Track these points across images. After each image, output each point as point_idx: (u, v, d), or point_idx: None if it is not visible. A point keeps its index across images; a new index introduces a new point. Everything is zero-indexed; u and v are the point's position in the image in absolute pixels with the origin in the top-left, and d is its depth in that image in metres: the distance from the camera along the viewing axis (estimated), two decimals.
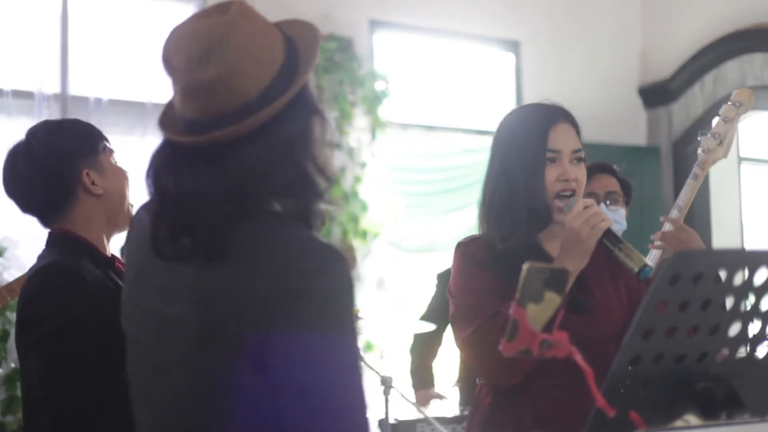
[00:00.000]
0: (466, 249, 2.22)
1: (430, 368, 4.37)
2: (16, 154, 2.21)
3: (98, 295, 2.06)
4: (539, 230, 2.20)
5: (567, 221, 2.09)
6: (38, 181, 2.16)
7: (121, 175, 2.25)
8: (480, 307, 2.10)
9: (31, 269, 2.18)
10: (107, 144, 2.25)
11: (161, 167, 1.52)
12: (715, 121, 2.80)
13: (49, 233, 2.22)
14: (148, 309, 1.58)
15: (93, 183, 2.18)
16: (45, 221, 2.23)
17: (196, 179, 1.47)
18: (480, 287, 2.14)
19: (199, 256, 1.46)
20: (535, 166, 2.17)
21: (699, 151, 2.78)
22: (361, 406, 1.44)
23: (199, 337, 1.48)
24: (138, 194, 2.13)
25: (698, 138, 2.79)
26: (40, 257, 2.20)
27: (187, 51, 1.48)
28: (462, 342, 2.15)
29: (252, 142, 1.47)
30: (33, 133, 2.22)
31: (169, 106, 1.58)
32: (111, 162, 2.24)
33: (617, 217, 3.35)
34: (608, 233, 2.07)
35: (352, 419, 1.43)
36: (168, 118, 1.56)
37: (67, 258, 2.11)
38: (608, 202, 3.34)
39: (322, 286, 1.42)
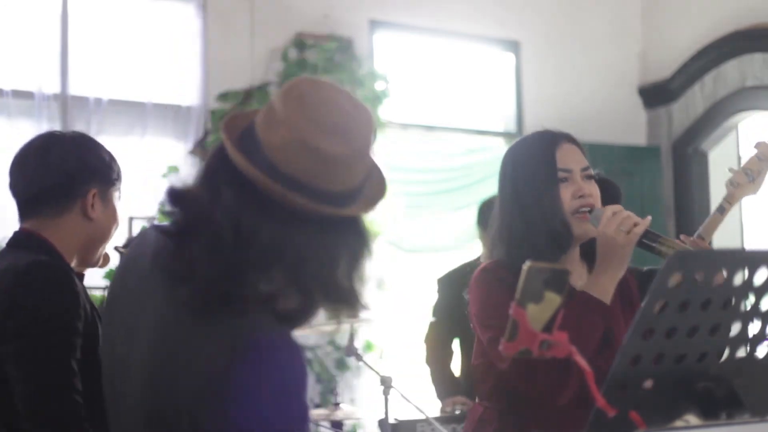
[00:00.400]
0: (494, 274, 2.19)
1: (450, 373, 4.35)
2: (53, 139, 2.23)
3: (85, 306, 2.07)
4: (561, 252, 2.18)
5: (599, 230, 2.08)
6: (55, 173, 2.16)
7: (115, 218, 2.27)
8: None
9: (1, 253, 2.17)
10: (120, 190, 2.29)
11: (241, 203, 1.43)
12: (749, 156, 2.77)
13: (17, 232, 2.19)
14: (109, 338, 1.59)
15: (92, 206, 2.18)
16: (26, 213, 2.19)
17: (257, 230, 1.41)
18: (508, 306, 2.12)
19: (199, 301, 1.42)
20: (548, 186, 2.17)
21: (728, 184, 2.75)
22: None
23: (148, 381, 1.46)
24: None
25: (728, 171, 2.76)
26: (3, 255, 2.16)
27: (323, 115, 1.43)
28: (512, 364, 2.07)
29: (314, 226, 1.44)
30: (75, 133, 2.29)
31: (239, 121, 1.51)
32: (114, 203, 2.27)
33: None
34: (645, 234, 2.06)
35: None
36: (246, 141, 1.47)
37: (50, 258, 2.10)
38: None
39: (267, 377, 1.37)
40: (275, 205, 1.41)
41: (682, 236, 2.81)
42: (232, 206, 1.41)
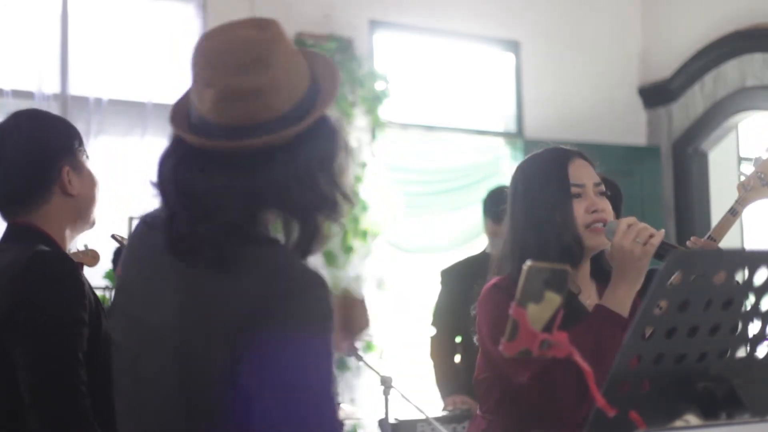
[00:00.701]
0: (505, 288, 2.17)
1: (454, 371, 4.33)
2: (6, 133, 2.17)
3: (89, 296, 2.08)
4: (573, 267, 2.16)
5: (615, 242, 2.07)
6: (21, 167, 2.13)
7: (93, 181, 2.23)
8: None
9: None
10: (82, 145, 2.23)
11: (180, 167, 1.53)
12: (761, 159, 2.76)
13: (11, 225, 2.17)
14: (132, 317, 1.61)
15: (70, 182, 2.16)
16: (9, 212, 2.17)
17: (226, 183, 1.49)
18: None
19: (200, 257, 1.48)
20: (561, 201, 2.18)
21: (740, 187, 2.74)
22: (331, 427, 1.45)
23: (180, 345, 1.50)
24: (113, 199, 2.15)
25: (739, 174, 2.76)
26: (2, 249, 2.14)
27: (230, 57, 1.51)
28: (529, 381, 2.07)
29: (281, 155, 1.50)
30: (21, 117, 2.20)
31: (180, 106, 1.60)
32: (86, 165, 2.22)
33: None
34: (662, 245, 2.06)
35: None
36: (181, 118, 1.58)
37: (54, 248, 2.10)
38: None
39: (300, 306, 1.44)
40: (232, 159, 1.48)
41: (693, 238, 2.80)
42: (192, 176, 1.50)
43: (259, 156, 1.49)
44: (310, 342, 1.44)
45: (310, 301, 1.45)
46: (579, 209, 2.18)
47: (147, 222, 1.64)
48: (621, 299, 2.08)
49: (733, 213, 2.72)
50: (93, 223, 2.26)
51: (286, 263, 1.49)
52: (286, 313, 1.43)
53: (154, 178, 1.56)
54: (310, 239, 1.55)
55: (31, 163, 2.14)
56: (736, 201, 2.72)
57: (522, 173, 2.29)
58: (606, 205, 2.21)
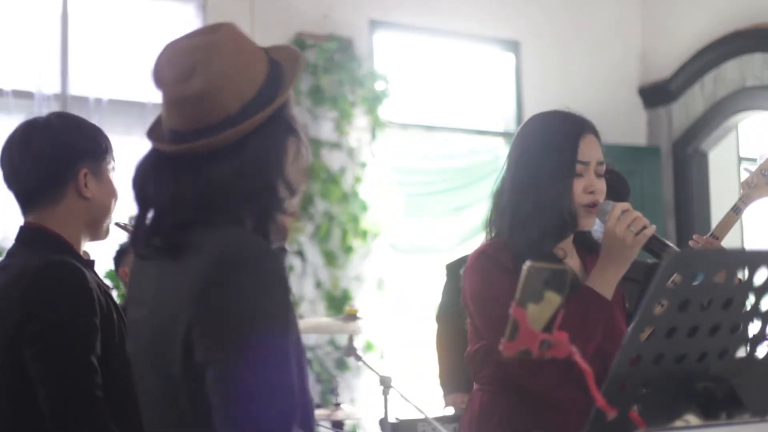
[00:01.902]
0: (493, 256, 2.19)
1: (458, 368, 4.31)
2: (33, 128, 2.19)
3: (100, 300, 2.09)
4: (562, 238, 2.20)
5: (608, 227, 2.08)
6: (42, 162, 2.15)
7: (112, 191, 2.24)
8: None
9: (11, 250, 2.17)
10: (113, 160, 2.25)
11: (144, 173, 1.64)
12: (765, 156, 2.75)
13: (23, 228, 2.19)
14: (132, 320, 1.70)
15: (86, 185, 2.16)
16: (26, 206, 2.19)
17: (175, 185, 1.58)
18: (509, 294, 2.13)
19: (164, 254, 1.57)
20: (565, 176, 2.17)
21: (744, 184, 2.73)
22: (284, 401, 1.46)
23: (154, 337, 1.57)
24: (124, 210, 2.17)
25: (743, 170, 2.75)
26: (13, 254, 2.16)
27: (174, 65, 1.59)
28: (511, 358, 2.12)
29: (227, 154, 1.56)
30: (53, 115, 2.25)
31: (158, 118, 1.68)
32: (109, 175, 2.23)
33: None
34: (653, 239, 2.07)
35: (274, 412, 1.45)
36: (156, 128, 1.67)
37: (61, 256, 2.10)
38: None
39: (248, 279, 1.48)
40: (180, 161, 1.58)
41: (695, 236, 2.80)
42: (147, 180, 1.63)
43: (205, 157, 1.56)
44: (262, 312, 1.47)
45: (260, 271, 1.49)
46: (578, 187, 2.18)
47: None
48: (607, 282, 2.10)
49: (737, 211, 2.72)
50: (106, 234, 2.26)
51: (235, 239, 1.54)
52: (236, 282, 1.47)
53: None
54: (265, 225, 1.60)
55: (49, 158, 2.15)
56: (740, 199, 2.72)
57: (531, 135, 2.27)
58: (602, 187, 2.21)
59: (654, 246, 2.07)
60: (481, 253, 2.22)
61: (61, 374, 1.99)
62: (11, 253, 2.18)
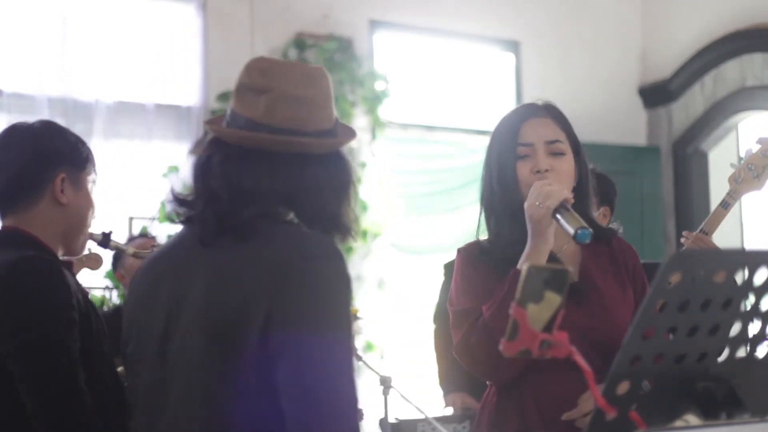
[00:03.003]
0: (463, 253, 2.25)
1: (457, 368, 4.30)
2: (14, 131, 2.20)
3: (78, 299, 2.07)
4: (521, 224, 2.15)
5: (525, 206, 2.08)
6: (19, 165, 2.14)
7: (89, 203, 2.23)
8: (468, 310, 2.13)
9: None
10: (95, 174, 2.25)
11: (227, 164, 1.70)
12: (751, 151, 2.73)
13: (0, 231, 2.18)
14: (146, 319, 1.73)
15: (62, 191, 2.15)
16: (3, 210, 2.18)
17: (261, 176, 1.68)
18: (469, 289, 2.17)
19: (238, 241, 1.63)
20: (507, 160, 2.19)
21: (731, 179, 2.72)
22: (352, 406, 1.53)
23: (215, 325, 1.59)
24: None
25: (731, 166, 2.73)
26: None
27: (286, 70, 1.75)
28: (456, 348, 2.16)
29: (313, 163, 1.71)
30: (36, 122, 2.24)
31: (215, 120, 1.80)
32: (88, 187, 2.23)
33: None
34: (560, 208, 2.03)
35: (345, 419, 1.51)
36: (218, 122, 1.78)
37: (38, 253, 2.09)
38: None
39: (320, 273, 1.56)
40: (274, 157, 1.69)
41: (685, 232, 2.79)
42: (223, 170, 1.69)
43: (296, 159, 1.69)
44: (337, 308, 1.55)
45: (329, 267, 1.58)
46: (524, 170, 2.16)
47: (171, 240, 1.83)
48: (530, 260, 2.05)
49: (725, 206, 2.71)
50: (81, 249, 2.27)
51: (309, 235, 1.65)
52: (306, 275, 1.55)
53: (192, 176, 1.74)
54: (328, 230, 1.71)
55: (26, 161, 2.15)
56: (727, 193, 2.71)
57: (493, 131, 2.31)
58: (559, 164, 2.17)
59: (558, 213, 2.02)
60: (458, 251, 2.27)
61: (41, 369, 1.98)
62: None
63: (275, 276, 1.54)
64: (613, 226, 2.49)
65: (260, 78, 1.72)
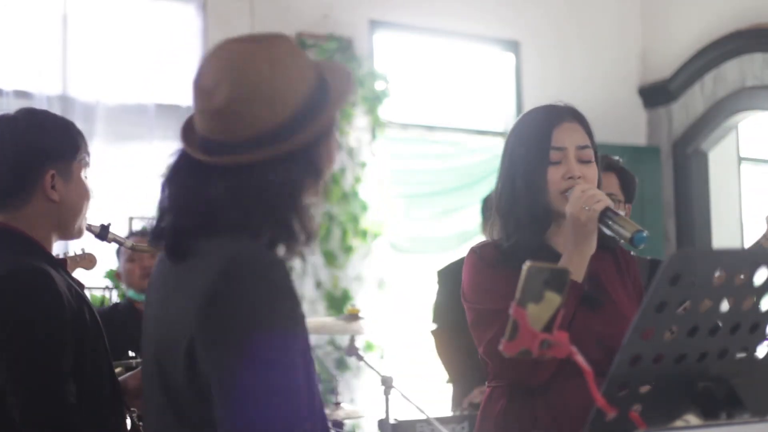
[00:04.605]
0: (478, 253, 2.22)
1: (466, 367, 4.29)
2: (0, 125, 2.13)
3: (70, 302, 2.04)
4: (543, 229, 2.18)
5: (568, 210, 2.07)
6: (6, 163, 2.09)
7: (84, 192, 2.17)
8: (496, 310, 2.07)
9: None
10: (86, 156, 2.18)
11: (171, 175, 1.61)
12: None
13: None
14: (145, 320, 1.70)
15: (53, 187, 2.10)
16: None
17: (190, 190, 1.56)
18: (494, 289, 2.13)
19: (171, 258, 1.57)
20: (537, 164, 2.16)
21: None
22: (287, 407, 1.43)
23: (159, 346, 1.57)
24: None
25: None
26: None
27: (204, 74, 1.54)
28: (485, 347, 2.12)
29: (243, 173, 1.51)
30: (20, 113, 2.17)
31: (190, 118, 1.63)
32: (81, 175, 2.16)
33: None
34: (605, 212, 2.04)
35: (275, 417, 1.42)
36: (189, 130, 1.62)
37: (27, 259, 2.04)
38: None
39: (253, 290, 1.45)
40: (215, 169, 1.53)
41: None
42: (169, 183, 1.60)
43: (230, 170, 1.52)
44: (266, 320, 1.44)
45: (265, 282, 1.45)
46: (556, 175, 2.15)
47: None
48: (574, 265, 2.05)
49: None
50: (78, 234, 2.21)
51: (241, 251, 1.49)
52: (240, 293, 1.43)
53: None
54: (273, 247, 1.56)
55: (15, 161, 2.09)
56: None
57: (513, 131, 2.27)
58: (588, 171, 2.17)
59: (606, 217, 2.04)
60: (470, 251, 2.25)
61: (31, 384, 1.95)
62: None
63: (199, 302, 1.45)
64: (642, 264, 2.45)
65: (195, 81, 1.55)
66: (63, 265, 2.17)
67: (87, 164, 2.18)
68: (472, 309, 2.18)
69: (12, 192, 2.11)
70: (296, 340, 1.49)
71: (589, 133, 2.24)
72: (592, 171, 2.19)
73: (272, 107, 1.49)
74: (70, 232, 2.18)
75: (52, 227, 2.14)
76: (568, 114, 2.23)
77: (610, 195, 3.34)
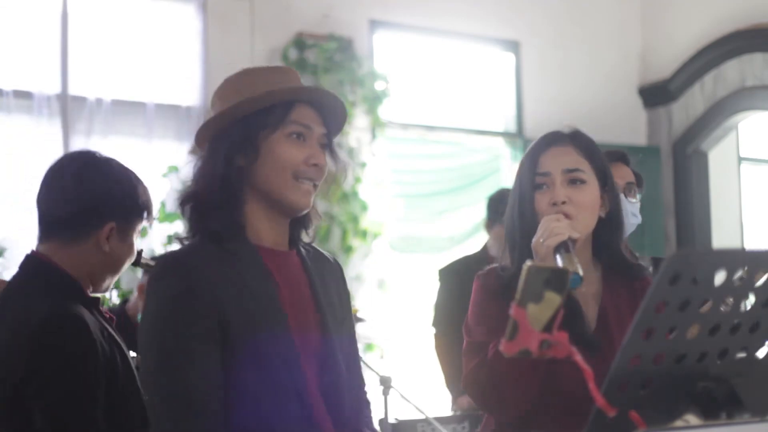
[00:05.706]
0: (482, 281, 2.19)
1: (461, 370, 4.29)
2: (96, 162, 2.18)
3: (103, 346, 2.06)
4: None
5: (532, 241, 2.03)
6: (79, 199, 2.12)
7: (130, 252, 2.21)
8: (482, 342, 2.07)
9: (13, 281, 2.15)
10: (146, 220, 2.22)
11: None
12: None
13: (31, 257, 2.16)
14: None
15: (108, 239, 2.14)
16: (43, 233, 2.16)
17: None
18: (486, 322, 2.11)
19: None
20: (525, 192, 2.13)
21: None
22: None
23: None
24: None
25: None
26: (15, 288, 2.13)
27: None
28: (463, 378, 2.11)
29: None
30: (118, 162, 2.23)
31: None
32: (134, 237, 2.21)
33: (635, 210, 3.24)
34: (558, 248, 1.98)
35: None
36: None
37: (64, 303, 2.06)
38: (627, 194, 3.20)
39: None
40: None
41: None
42: None
43: None
44: None
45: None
46: (542, 201, 2.10)
47: None
48: None
49: None
50: (105, 291, 2.24)
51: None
52: None
53: None
54: None
55: (86, 199, 2.12)
56: None
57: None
58: (577, 194, 2.10)
59: (558, 254, 1.96)
60: (477, 276, 2.21)
61: (64, 430, 1.98)
62: (14, 285, 2.15)
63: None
64: (643, 262, 2.39)
65: None
66: (96, 304, 2.18)
67: (146, 227, 2.26)
68: (466, 340, 2.17)
69: (68, 226, 2.13)
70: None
71: (589, 156, 2.17)
72: (583, 193, 2.12)
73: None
74: (100, 286, 2.20)
75: (88, 273, 2.16)
76: (562, 138, 2.18)
77: (630, 184, 3.28)
